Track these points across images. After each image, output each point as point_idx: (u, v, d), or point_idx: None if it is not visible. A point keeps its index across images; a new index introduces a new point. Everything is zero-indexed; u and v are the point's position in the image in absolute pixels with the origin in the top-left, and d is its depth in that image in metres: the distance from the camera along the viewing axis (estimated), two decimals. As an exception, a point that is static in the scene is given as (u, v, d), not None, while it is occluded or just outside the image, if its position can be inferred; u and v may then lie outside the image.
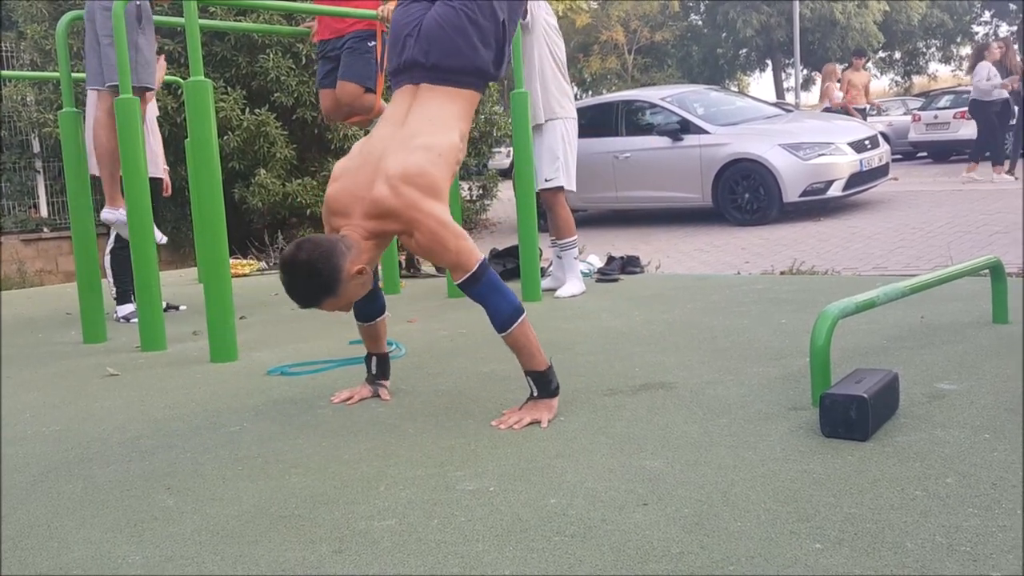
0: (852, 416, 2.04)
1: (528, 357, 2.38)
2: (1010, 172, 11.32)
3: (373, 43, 4.70)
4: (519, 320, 2.33)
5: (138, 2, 4.08)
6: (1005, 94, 11.20)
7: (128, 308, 4.71)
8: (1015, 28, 34.77)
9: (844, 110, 12.36)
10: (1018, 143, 11.72)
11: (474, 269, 2.31)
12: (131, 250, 3.87)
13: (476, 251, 2.34)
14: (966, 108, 11.58)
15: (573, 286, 4.74)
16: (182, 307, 5.12)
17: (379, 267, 3.88)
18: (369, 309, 2.67)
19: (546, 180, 4.76)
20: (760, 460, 1.97)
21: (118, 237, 4.77)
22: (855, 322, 3.24)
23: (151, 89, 4.32)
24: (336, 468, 2.11)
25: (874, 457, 1.94)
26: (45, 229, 10.70)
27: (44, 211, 11.06)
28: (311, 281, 2.25)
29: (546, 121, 4.75)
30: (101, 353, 3.90)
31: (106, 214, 4.34)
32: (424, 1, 2.52)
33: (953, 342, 2.95)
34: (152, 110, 5.39)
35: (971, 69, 11.45)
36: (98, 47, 4.23)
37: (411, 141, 2.36)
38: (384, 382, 2.78)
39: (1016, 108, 11.54)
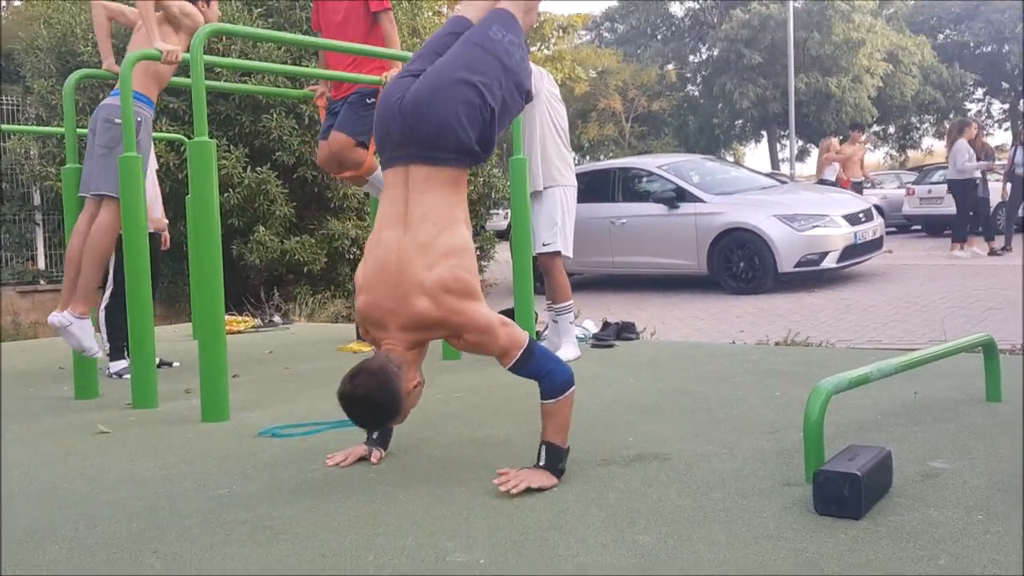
0: (845, 494, 2.03)
1: (555, 429, 2.39)
2: (1005, 248, 11.42)
3: (372, 100, 4.79)
4: (568, 391, 2.38)
5: (139, 118, 4.09)
6: (978, 173, 11.40)
7: (121, 364, 4.69)
8: (1007, 106, 35.46)
9: (835, 184, 12.51)
10: (1011, 219, 11.85)
11: (523, 349, 2.36)
12: (127, 306, 3.87)
13: (520, 332, 2.39)
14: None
15: (568, 351, 4.74)
16: (175, 363, 5.10)
17: None
18: None
19: (544, 244, 4.79)
20: (753, 537, 1.96)
21: (113, 292, 4.78)
22: (849, 396, 3.23)
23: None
24: (325, 536, 2.09)
25: (867, 537, 1.93)
26: (42, 281, 10.71)
27: (42, 263, 11.08)
28: (376, 412, 2.32)
29: (546, 188, 4.80)
30: (92, 409, 3.87)
31: (55, 317, 4.15)
32: (412, 78, 2.51)
33: (947, 419, 2.95)
34: (152, 163, 5.44)
35: (950, 147, 11.59)
36: (93, 155, 4.29)
37: (430, 250, 2.35)
38: (381, 450, 2.77)
39: (1009, 186, 11.70)
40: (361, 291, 2.45)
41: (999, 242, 11.53)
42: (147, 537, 2.13)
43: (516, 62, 2.51)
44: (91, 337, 4.27)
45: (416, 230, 2.38)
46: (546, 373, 2.37)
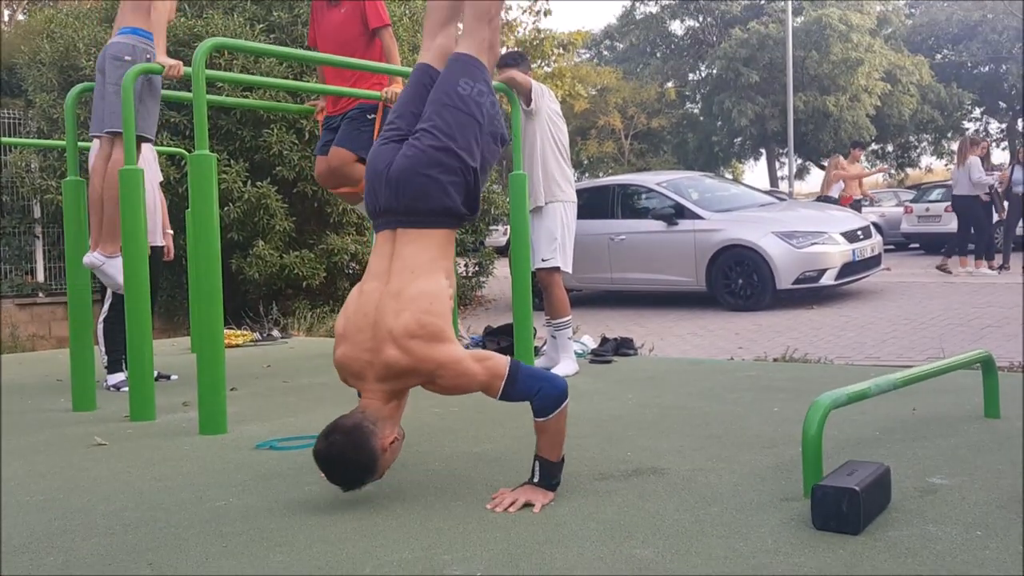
0: (844, 509, 2.03)
1: (549, 444, 2.38)
2: (1004, 266, 11.44)
3: (372, 116, 4.80)
4: (563, 405, 2.34)
5: (148, 56, 4.25)
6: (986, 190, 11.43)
7: (119, 377, 4.69)
8: (1005, 125, 35.61)
9: (837, 201, 12.53)
10: (1009, 237, 11.87)
11: (507, 372, 2.32)
12: (126, 319, 3.87)
13: (500, 359, 2.35)
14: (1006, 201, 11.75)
15: (567, 366, 4.73)
16: (173, 376, 5.09)
17: None
18: None
19: (543, 260, 4.80)
20: (751, 552, 1.95)
21: (112, 305, 4.78)
22: (847, 412, 3.24)
23: (148, 140, 4.43)
24: (321, 548, 2.08)
25: (865, 552, 1.92)
26: (40, 294, 10.71)
27: (41, 276, 11.08)
28: (351, 472, 2.32)
29: (546, 204, 4.82)
30: (90, 422, 3.87)
31: (88, 257, 4.30)
32: (395, 144, 2.55)
33: (945, 436, 2.95)
34: (156, 176, 5.47)
35: (961, 162, 11.59)
36: (104, 94, 4.35)
37: (401, 296, 2.37)
38: None
39: (1006, 203, 11.73)
40: (339, 342, 2.45)
41: (998, 260, 11.55)
42: (143, 548, 2.12)
43: (488, 113, 2.55)
44: (122, 274, 4.34)
45: (394, 279, 2.42)
46: (536, 392, 2.33)
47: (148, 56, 4.26)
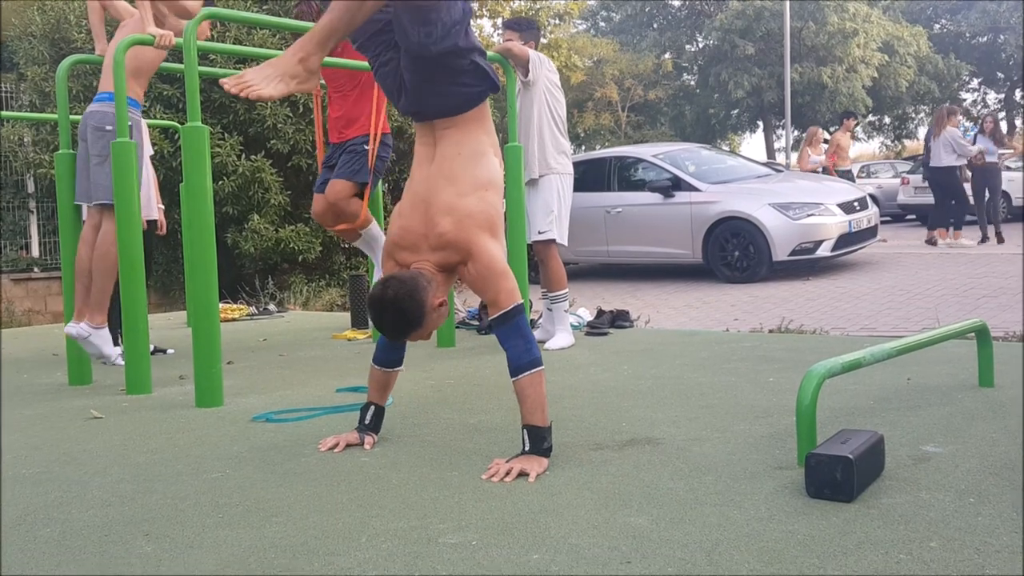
0: (837, 477, 2.04)
1: (531, 410, 2.40)
2: (984, 239, 11.43)
3: (366, 147, 4.71)
4: (534, 370, 2.40)
5: (129, 123, 4.05)
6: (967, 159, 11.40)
7: (115, 351, 4.68)
8: (1002, 96, 35.48)
9: (826, 172, 12.46)
10: (996, 209, 11.83)
11: (509, 308, 2.42)
12: (120, 292, 3.86)
13: (518, 294, 2.45)
14: (970, 173, 11.71)
15: (562, 339, 4.74)
16: (170, 351, 5.09)
17: None
18: (392, 356, 2.74)
19: (539, 232, 4.79)
20: (745, 519, 1.96)
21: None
22: (842, 382, 3.25)
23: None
24: (317, 518, 2.09)
25: (859, 519, 1.93)
26: (35, 269, 10.68)
27: (36, 251, 11.05)
28: (401, 317, 2.40)
29: (541, 176, 4.79)
30: (86, 395, 3.87)
31: (73, 328, 4.18)
32: (391, 52, 2.58)
33: (939, 404, 2.96)
34: (147, 149, 5.43)
35: (937, 134, 11.42)
36: (88, 165, 4.27)
37: (457, 180, 2.51)
38: (373, 435, 2.77)
39: (969, 173, 11.65)
40: (396, 219, 2.60)
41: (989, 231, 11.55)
42: (140, 519, 2.13)
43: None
44: (110, 345, 4.32)
45: (444, 163, 2.55)
46: (519, 341, 2.41)
47: (129, 124, 4.00)
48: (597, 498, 2.15)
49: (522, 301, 2.45)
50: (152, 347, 4.59)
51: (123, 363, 4.08)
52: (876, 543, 1.79)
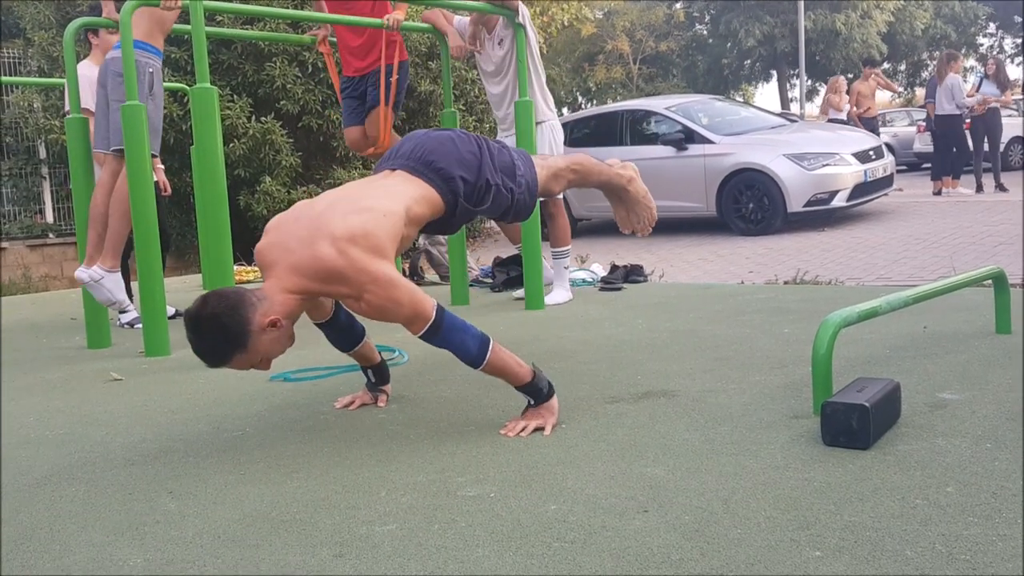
0: (853, 425, 2.04)
1: (512, 377, 2.36)
2: (979, 189, 11.29)
3: (390, 78, 4.74)
4: (488, 350, 2.29)
5: (150, 69, 4.09)
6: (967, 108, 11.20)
7: (132, 315, 4.72)
8: (1020, 40, 34.83)
9: (851, 121, 12.31)
10: (995, 158, 11.63)
11: (433, 317, 2.24)
12: (136, 256, 3.88)
13: (429, 299, 2.27)
14: (968, 120, 11.46)
15: (559, 294, 4.75)
16: (187, 313, 5.12)
17: None
18: (344, 341, 2.67)
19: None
20: (761, 468, 1.97)
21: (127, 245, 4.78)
22: (858, 331, 3.24)
23: (154, 156, 4.29)
24: (338, 473, 2.11)
25: (875, 466, 1.94)
26: (51, 235, 10.74)
27: (50, 217, 11.10)
28: (218, 336, 2.15)
29: (538, 124, 4.75)
30: (105, 358, 3.91)
31: (83, 272, 4.18)
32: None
33: (956, 352, 2.95)
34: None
35: (940, 80, 11.22)
36: (108, 111, 4.26)
37: (357, 203, 2.30)
38: (385, 387, 2.79)
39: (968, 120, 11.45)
40: (266, 233, 2.34)
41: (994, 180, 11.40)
42: (163, 477, 2.16)
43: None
44: (123, 290, 4.32)
45: (359, 192, 2.40)
46: (458, 345, 2.27)
47: (150, 70, 4.10)
48: (613, 450, 2.16)
49: (435, 307, 2.26)
50: (172, 310, 4.62)
51: (140, 327, 4.11)
52: (892, 489, 1.80)
